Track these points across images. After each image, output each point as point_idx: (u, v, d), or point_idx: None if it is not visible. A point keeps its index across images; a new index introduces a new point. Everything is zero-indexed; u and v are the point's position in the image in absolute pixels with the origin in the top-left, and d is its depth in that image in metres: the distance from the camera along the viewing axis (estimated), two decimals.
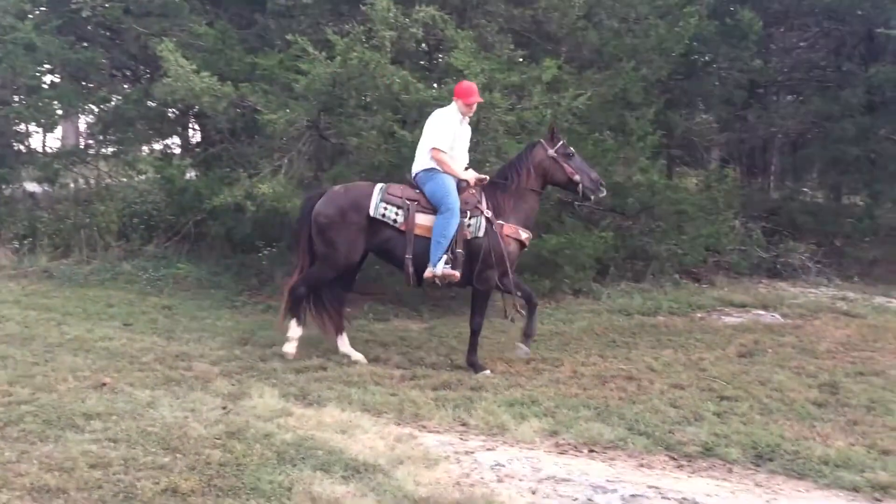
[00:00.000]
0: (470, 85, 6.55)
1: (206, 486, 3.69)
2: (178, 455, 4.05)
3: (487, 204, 6.21)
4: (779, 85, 14.41)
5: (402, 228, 6.14)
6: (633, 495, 3.73)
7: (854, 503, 3.79)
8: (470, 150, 8.14)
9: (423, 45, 10.25)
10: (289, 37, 8.27)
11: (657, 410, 5.09)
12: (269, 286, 8.90)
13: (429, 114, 7.03)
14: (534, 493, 3.80)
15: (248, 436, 4.35)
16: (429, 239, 6.06)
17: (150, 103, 11.03)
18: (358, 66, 7.74)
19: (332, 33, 8.11)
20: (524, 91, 8.56)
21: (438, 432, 4.73)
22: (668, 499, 3.70)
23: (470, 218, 6.12)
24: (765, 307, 8.39)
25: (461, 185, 6.26)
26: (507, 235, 6.19)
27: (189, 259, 9.80)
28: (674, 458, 4.35)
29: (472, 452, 4.34)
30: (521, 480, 3.94)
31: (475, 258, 6.08)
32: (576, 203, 9.17)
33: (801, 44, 14.52)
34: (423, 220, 6.13)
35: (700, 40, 11.08)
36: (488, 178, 6.44)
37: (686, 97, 12.58)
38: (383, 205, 6.17)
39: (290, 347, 6.30)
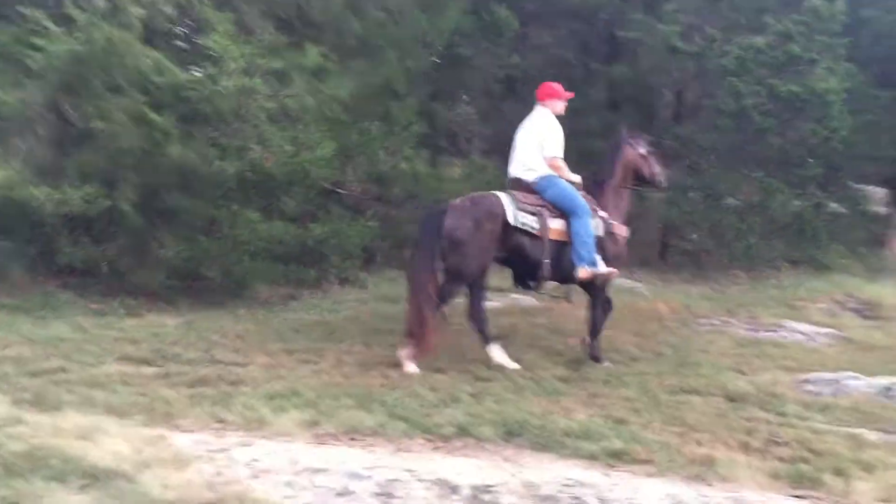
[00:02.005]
0: (555, 84, 6.58)
1: None
2: None
3: (598, 204, 6.34)
4: (533, 80, 15.21)
5: (539, 235, 6.10)
6: (389, 480, 3.76)
7: (591, 470, 4.06)
8: (230, 137, 7.92)
9: (180, 26, 9.76)
10: (24, 9, 7.53)
11: (417, 395, 5.18)
12: (3, 282, 8.05)
13: (186, 98, 6.76)
14: (290, 485, 3.72)
15: None
16: (559, 242, 6.15)
17: None
18: (103, 45, 7.21)
19: (75, 7, 7.48)
20: (287, 78, 8.40)
21: (192, 431, 4.49)
22: (423, 480, 3.76)
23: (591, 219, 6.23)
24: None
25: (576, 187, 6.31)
26: (619, 234, 6.40)
27: None
28: (430, 441, 4.44)
29: (228, 450, 4.16)
30: (277, 474, 3.83)
31: None
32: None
33: (553, 42, 15.49)
34: (555, 224, 6.17)
35: (461, 34, 11.46)
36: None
37: (448, 89, 12.97)
38: (521, 213, 6.09)
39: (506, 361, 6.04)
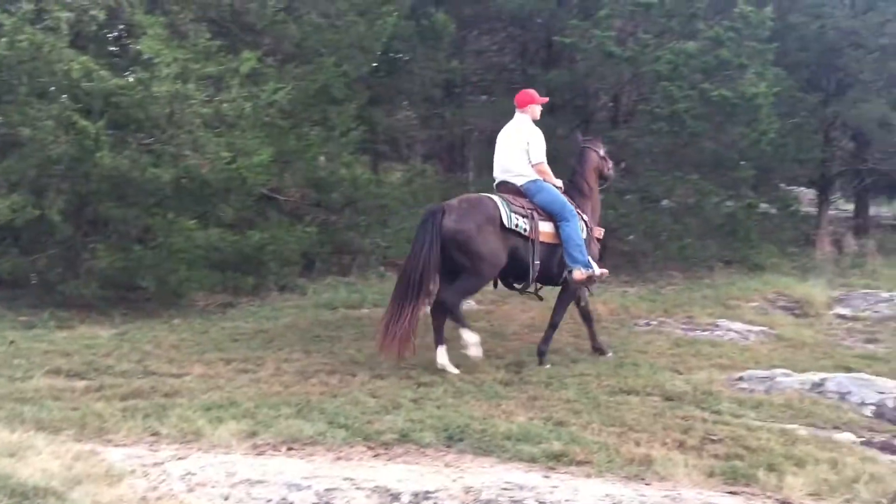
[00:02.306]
0: (531, 90, 6.84)
1: None
2: None
3: (579, 207, 6.57)
4: (473, 85, 15.36)
5: (530, 237, 6.24)
6: (327, 489, 3.71)
7: (531, 473, 4.08)
8: (164, 143, 7.76)
9: (113, 30, 9.55)
10: None
11: (358, 402, 5.15)
12: None
13: (117, 104, 6.64)
14: (226, 498, 3.65)
15: None
16: (548, 244, 6.34)
17: None
18: (29, 49, 7.01)
19: (1, 12, 7.25)
20: (222, 83, 8.28)
21: (125, 445, 4.38)
22: (362, 488, 3.73)
23: None
24: None
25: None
26: (597, 236, 6.75)
27: None
28: (371, 448, 4.41)
29: (162, 463, 4.06)
30: (213, 487, 3.76)
31: None
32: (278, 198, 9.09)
33: (492, 47, 15.60)
34: (544, 227, 6.35)
35: (399, 39, 11.44)
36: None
37: (388, 94, 12.94)
38: (514, 216, 6.21)
39: (476, 350, 6.13)
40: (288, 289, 8.96)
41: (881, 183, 17.78)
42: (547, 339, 6.50)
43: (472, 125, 14.14)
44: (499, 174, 6.69)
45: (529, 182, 6.50)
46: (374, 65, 11.37)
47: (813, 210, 15.82)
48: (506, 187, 6.57)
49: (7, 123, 7.60)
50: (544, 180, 6.52)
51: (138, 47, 7.65)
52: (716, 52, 11.04)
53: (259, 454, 4.28)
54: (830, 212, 16.20)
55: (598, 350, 6.68)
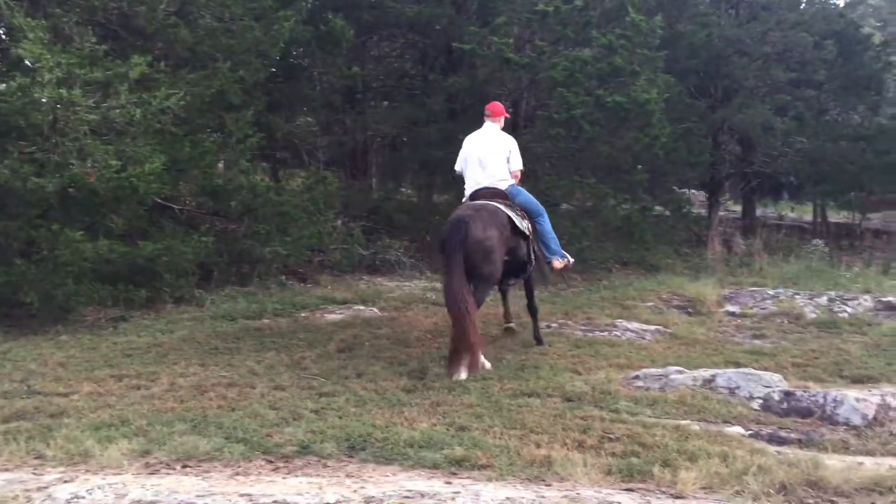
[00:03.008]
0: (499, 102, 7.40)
1: None
2: None
3: None
4: (374, 91, 15.32)
5: (528, 235, 6.80)
6: None
7: (433, 479, 4.07)
8: (48, 152, 7.42)
9: None
10: None
11: (257, 415, 5.02)
12: None
13: None
14: None
15: None
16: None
17: None
18: None
19: None
20: (110, 89, 7.96)
21: (7, 470, 4.15)
22: None
23: None
24: (364, 302, 8.83)
25: None
26: None
27: None
28: (271, 462, 4.31)
29: (46, 487, 3.86)
30: None
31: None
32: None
33: (393, 53, 15.60)
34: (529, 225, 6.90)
35: (297, 44, 11.31)
36: None
37: (287, 100, 12.75)
38: (518, 218, 6.68)
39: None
40: (184, 300, 8.67)
41: (766, 185, 18.76)
42: (536, 325, 7.32)
43: (373, 131, 14.10)
44: (482, 180, 6.93)
45: (511, 186, 7.01)
46: (273, 70, 11.19)
47: (704, 212, 16.47)
48: (485, 191, 6.86)
49: None
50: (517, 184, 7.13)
51: (19, 52, 7.27)
52: (609, 59, 11.36)
53: (152, 473, 4.12)
54: (720, 213, 16.90)
55: (538, 340, 7.25)
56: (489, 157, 6.94)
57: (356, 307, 8.67)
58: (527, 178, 12.30)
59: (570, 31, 11.63)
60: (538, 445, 4.47)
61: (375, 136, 14.75)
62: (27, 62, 7.38)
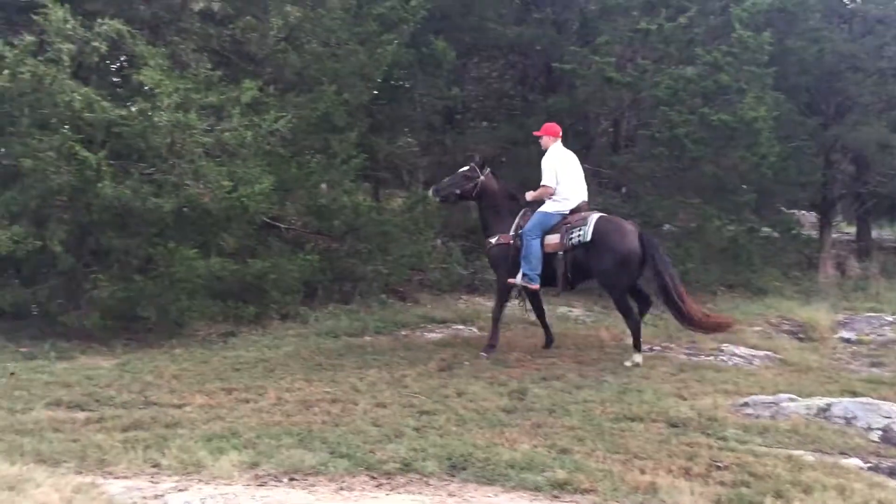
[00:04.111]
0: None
1: None
2: None
3: None
4: (473, 111, 15.43)
5: None
6: None
7: (535, 502, 4.05)
8: (166, 173, 7.78)
9: (115, 61, 9.61)
10: None
11: (360, 431, 5.11)
12: None
13: (118, 134, 6.91)
14: None
15: None
16: None
17: None
18: (31, 81, 7.04)
19: (3, 44, 7.28)
20: (223, 112, 8.30)
21: (126, 477, 4.35)
22: None
23: None
24: (464, 321, 8.87)
25: None
26: None
27: None
28: (374, 478, 4.37)
29: (163, 496, 4.04)
30: None
31: None
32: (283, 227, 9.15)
33: (493, 74, 15.69)
34: None
35: (400, 67, 11.50)
36: None
37: (389, 121, 12.98)
38: None
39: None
40: (289, 317, 8.93)
41: (882, 205, 17.79)
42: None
43: (472, 151, 14.16)
44: (583, 194, 7.72)
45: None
46: (375, 92, 11.42)
47: (815, 233, 15.81)
48: (584, 205, 7.64)
49: (9, 155, 7.63)
50: None
51: (140, 78, 7.68)
52: (715, 76, 11.10)
53: (261, 485, 4.25)
54: (833, 235, 16.18)
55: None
56: (580, 174, 7.76)
57: (455, 326, 8.72)
58: (627, 198, 12.20)
59: (674, 49, 11.43)
60: (642, 471, 4.39)
61: (474, 156, 14.80)
62: (147, 88, 7.75)
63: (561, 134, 7.88)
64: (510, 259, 7.52)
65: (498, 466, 4.45)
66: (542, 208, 7.54)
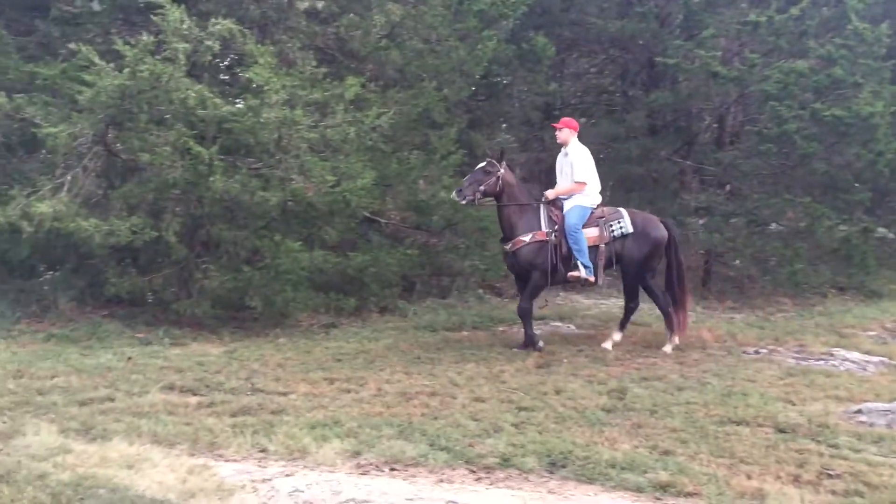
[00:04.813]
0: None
1: None
2: None
3: None
4: (572, 107, 15.24)
5: None
6: None
7: (638, 503, 4.00)
8: (272, 168, 8.01)
9: (225, 59, 9.96)
10: (73, 45, 7.73)
11: (458, 424, 5.15)
12: (52, 313, 8.23)
13: (228, 130, 7.14)
14: None
15: (18, 478, 3.94)
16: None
17: None
18: (149, 79, 7.35)
19: (123, 43, 7.65)
20: (327, 108, 8.49)
21: (236, 461, 4.53)
22: None
23: None
24: (561, 319, 8.81)
25: None
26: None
27: None
28: (473, 471, 4.41)
29: (270, 480, 4.18)
30: None
31: None
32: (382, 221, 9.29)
33: (592, 69, 15.47)
34: None
35: (499, 63, 11.49)
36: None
37: (487, 117, 12.99)
38: None
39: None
40: (388, 310, 9.07)
41: None
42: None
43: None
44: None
45: None
46: (474, 89, 11.45)
47: None
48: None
49: (128, 149, 8.00)
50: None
51: (248, 75, 7.93)
52: (828, 70, 10.63)
53: (363, 474, 4.34)
54: None
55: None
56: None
57: (553, 324, 8.67)
58: (731, 196, 11.84)
59: (784, 42, 11.00)
60: (749, 476, 4.28)
61: (489, 151, 14.66)
62: (256, 85, 8.00)
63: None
64: (549, 256, 7.42)
65: (598, 466, 4.42)
66: (578, 202, 7.60)
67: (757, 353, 7.59)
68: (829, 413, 5.51)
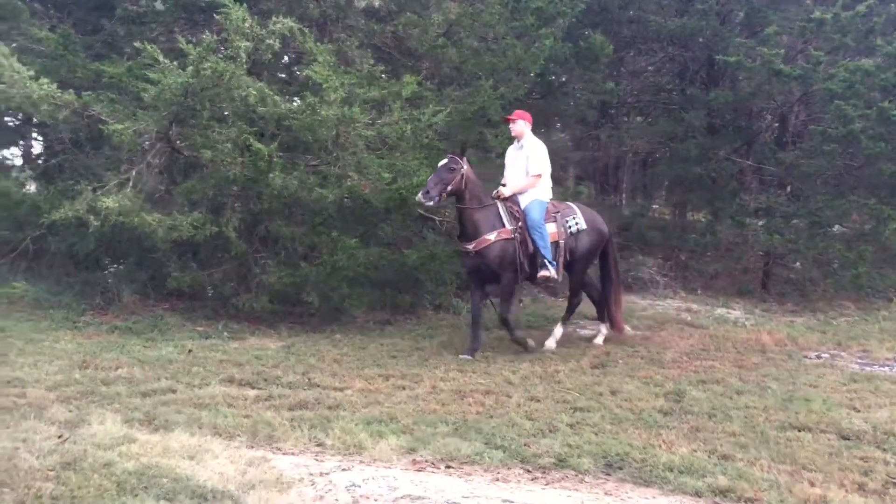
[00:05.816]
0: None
1: None
2: (4, 489, 3.72)
3: None
4: (629, 106, 15.12)
5: None
6: None
7: None
8: (330, 165, 8.09)
9: (284, 57, 10.10)
10: (138, 44, 7.91)
11: (514, 423, 5.14)
12: (115, 305, 8.44)
13: (288, 127, 7.13)
14: None
15: (84, 466, 4.05)
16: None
17: None
18: (212, 77, 7.47)
19: (186, 42, 7.81)
20: (384, 106, 8.55)
21: (293, 454, 4.58)
22: None
23: None
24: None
25: None
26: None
27: (26, 277, 9.11)
28: (528, 471, 4.39)
29: (328, 474, 4.22)
30: (376, 500, 3.86)
31: None
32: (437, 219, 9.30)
33: (649, 68, 15.30)
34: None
35: (555, 61, 11.43)
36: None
37: (543, 116, 12.91)
38: None
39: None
40: (443, 308, 9.10)
41: None
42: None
43: (627, 146, 13.91)
44: None
45: None
46: (529, 87, 11.40)
47: None
48: None
49: (190, 146, 8.16)
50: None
51: (307, 73, 8.02)
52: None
53: (418, 470, 4.36)
54: None
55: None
56: None
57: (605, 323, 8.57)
58: (793, 196, 11.58)
59: (851, 40, 10.73)
60: (812, 484, 4.18)
61: (628, 151, 14.55)
62: (315, 83, 8.09)
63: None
64: (517, 254, 7.27)
65: (655, 468, 4.37)
66: (537, 197, 7.51)
67: (819, 357, 7.43)
68: (895, 421, 5.35)
